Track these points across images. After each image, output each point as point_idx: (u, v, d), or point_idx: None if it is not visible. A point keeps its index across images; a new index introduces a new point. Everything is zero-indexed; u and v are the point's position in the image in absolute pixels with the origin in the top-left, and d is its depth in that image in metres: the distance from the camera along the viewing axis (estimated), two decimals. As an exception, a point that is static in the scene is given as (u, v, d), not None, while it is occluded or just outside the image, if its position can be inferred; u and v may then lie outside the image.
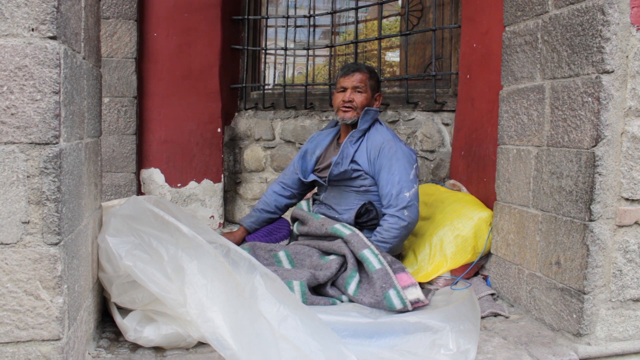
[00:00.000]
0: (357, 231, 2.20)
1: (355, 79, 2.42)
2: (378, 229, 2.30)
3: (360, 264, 2.12)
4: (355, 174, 2.37)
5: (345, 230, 2.20)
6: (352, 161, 2.36)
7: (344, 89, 2.44)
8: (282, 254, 2.27)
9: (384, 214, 2.32)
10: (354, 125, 2.46)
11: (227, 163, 3.59)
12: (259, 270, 1.67)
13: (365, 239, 2.14)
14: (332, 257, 2.18)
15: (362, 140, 2.41)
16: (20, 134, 1.26)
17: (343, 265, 2.14)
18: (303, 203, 2.62)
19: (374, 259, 2.06)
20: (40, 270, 1.30)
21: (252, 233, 2.61)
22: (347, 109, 2.42)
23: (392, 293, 1.96)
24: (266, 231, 2.59)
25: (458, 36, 3.25)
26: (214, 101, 3.41)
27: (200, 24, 3.34)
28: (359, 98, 2.41)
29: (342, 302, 2.08)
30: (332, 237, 2.25)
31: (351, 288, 2.07)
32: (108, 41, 3.12)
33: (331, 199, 2.47)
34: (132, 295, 1.70)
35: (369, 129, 2.43)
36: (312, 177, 2.52)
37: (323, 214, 2.46)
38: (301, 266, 2.19)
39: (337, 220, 2.39)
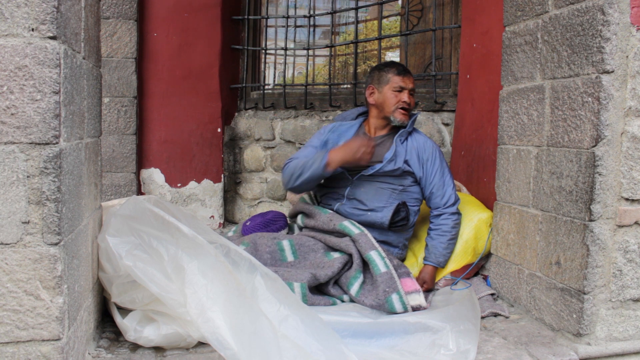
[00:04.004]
0: (366, 231, 2.18)
1: (412, 81, 2.39)
2: (444, 228, 2.32)
3: (365, 265, 2.11)
4: (403, 173, 2.34)
5: (353, 228, 2.18)
6: (405, 161, 2.34)
7: (401, 89, 2.36)
8: (285, 243, 2.21)
9: (439, 214, 2.35)
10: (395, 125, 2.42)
11: (227, 163, 3.59)
12: (260, 270, 1.67)
13: (373, 240, 2.13)
14: (336, 255, 2.16)
15: (407, 141, 2.39)
16: (20, 134, 1.26)
17: (346, 265, 2.13)
18: (306, 196, 2.58)
19: (380, 261, 2.05)
20: (40, 270, 1.30)
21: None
22: (406, 111, 2.37)
23: (394, 297, 1.95)
24: (262, 224, 2.55)
25: (458, 36, 3.25)
26: (214, 101, 3.41)
27: (200, 24, 3.34)
28: (413, 101, 2.41)
29: (342, 301, 2.08)
30: (340, 233, 2.22)
31: (354, 289, 2.07)
32: (108, 41, 3.12)
33: (362, 194, 2.36)
34: (132, 295, 1.70)
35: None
36: (339, 170, 2.34)
37: (347, 210, 2.36)
38: (304, 260, 2.16)
39: (367, 214, 2.31)
